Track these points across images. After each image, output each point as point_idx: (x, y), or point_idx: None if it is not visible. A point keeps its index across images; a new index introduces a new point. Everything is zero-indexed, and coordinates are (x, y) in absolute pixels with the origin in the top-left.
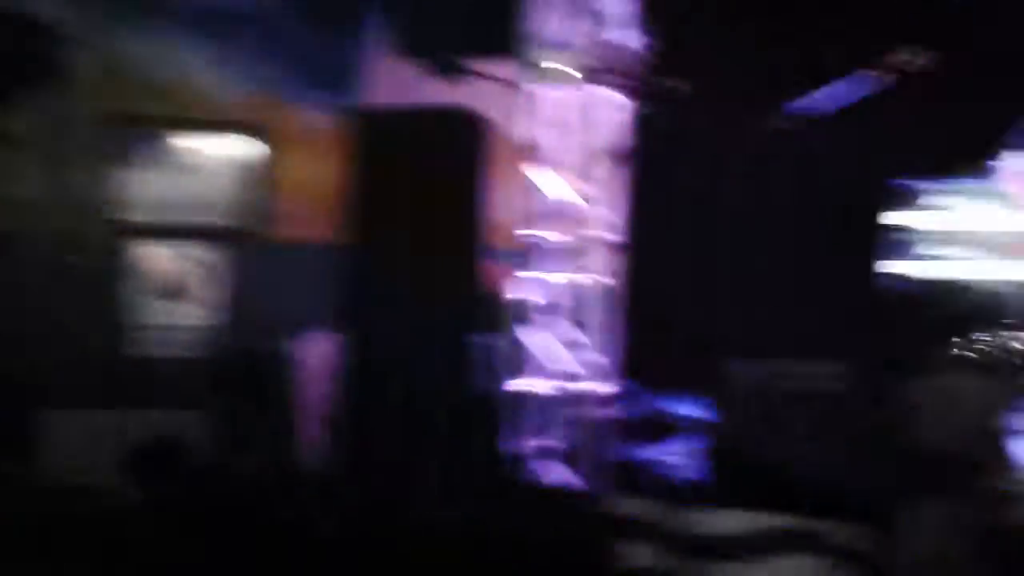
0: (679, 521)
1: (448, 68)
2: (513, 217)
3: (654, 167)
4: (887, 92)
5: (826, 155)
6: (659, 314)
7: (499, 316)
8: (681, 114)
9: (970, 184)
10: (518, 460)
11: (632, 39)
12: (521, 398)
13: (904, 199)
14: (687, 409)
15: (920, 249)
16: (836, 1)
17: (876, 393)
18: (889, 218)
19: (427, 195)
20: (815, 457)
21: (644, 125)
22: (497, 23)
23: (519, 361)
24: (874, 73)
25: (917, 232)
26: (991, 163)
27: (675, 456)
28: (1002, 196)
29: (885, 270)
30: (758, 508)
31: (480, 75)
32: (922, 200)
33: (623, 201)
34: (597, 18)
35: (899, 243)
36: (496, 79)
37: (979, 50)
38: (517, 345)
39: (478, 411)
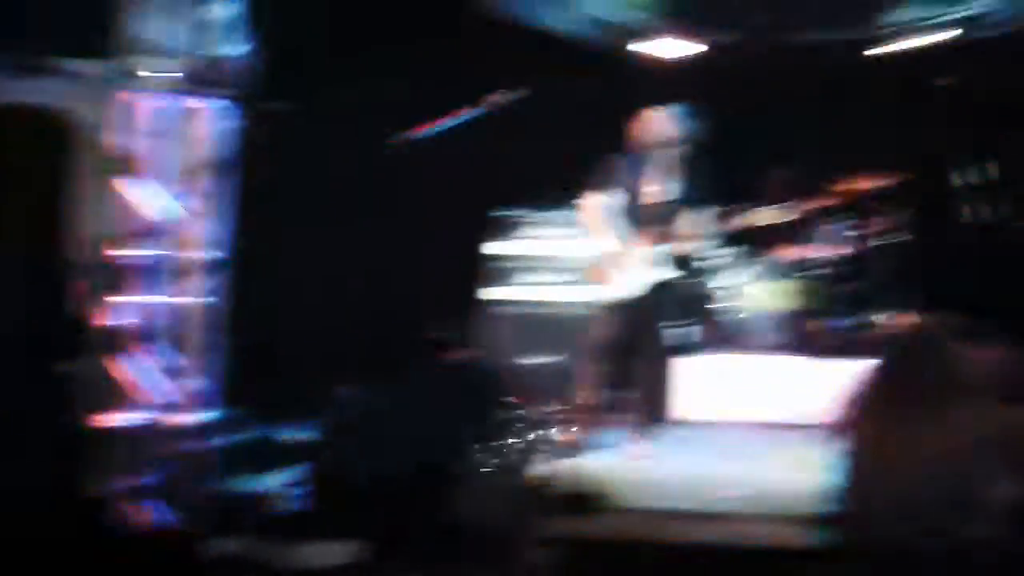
0: (281, 556)
1: (33, 66)
2: (106, 233)
3: (259, 182)
4: (490, 125)
5: (432, 182)
6: (264, 336)
7: (88, 341)
8: (290, 129)
9: (555, 214)
10: (109, 500)
11: (238, 49)
12: (112, 431)
13: (501, 227)
14: (294, 436)
15: (515, 275)
16: (441, 35)
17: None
18: (489, 245)
19: (3, 204)
20: (409, 483)
21: (250, 138)
22: (92, 23)
23: (110, 391)
24: (478, 107)
25: (512, 258)
26: (574, 194)
27: (280, 487)
28: (581, 225)
29: (484, 294)
30: (360, 537)
31: (70, 76)
32: (516, 228)
33: (226, 217)
34: (201, 25)
35: (498, 269)
36: (89, 82)
37: (567, 91)
38: (108, 373)
39: (62, 447)
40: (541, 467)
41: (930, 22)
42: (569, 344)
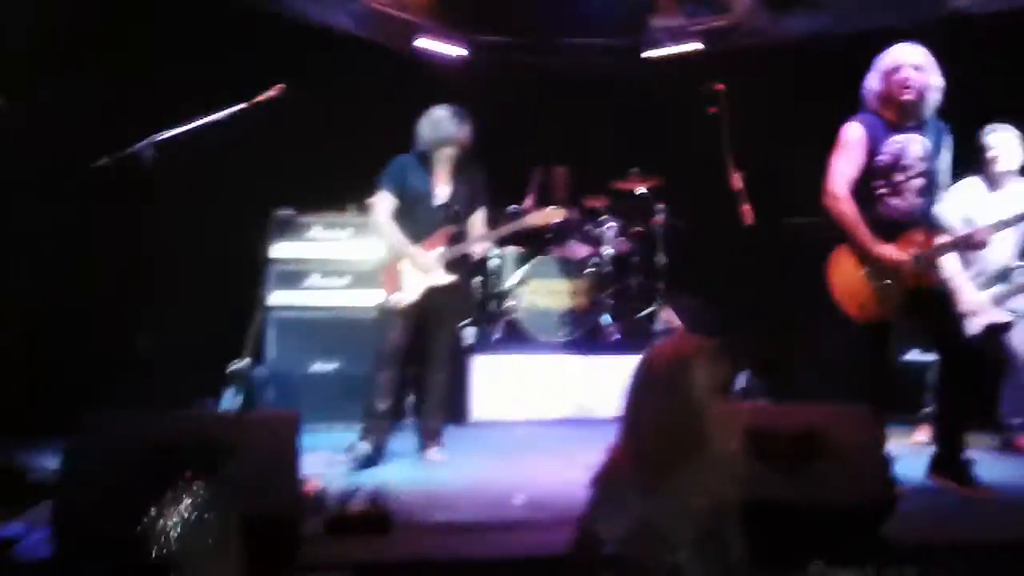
0: None
1: None
2: None
3: None
4: (265, 123)
5: (203, 182)
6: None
7: None
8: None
9: (340, 216)
10: None
11: None
12: None
13: (284, 229)
14: (34, 465)
15: (301, 279)
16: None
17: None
18: (272, 248)
19: None
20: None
21: None
22: None
23: None
24: (252, 104)
25: (297, 262)
26: (358, 196)
27: (16, 528)
28: (366, 227)
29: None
30: None
31: None
32: (300, 231)
33: None
34: None
35: (281, 272)
36: None
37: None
38: None
39: None
40: (332, 485)
41: (691, 30)
42: (356, 350)
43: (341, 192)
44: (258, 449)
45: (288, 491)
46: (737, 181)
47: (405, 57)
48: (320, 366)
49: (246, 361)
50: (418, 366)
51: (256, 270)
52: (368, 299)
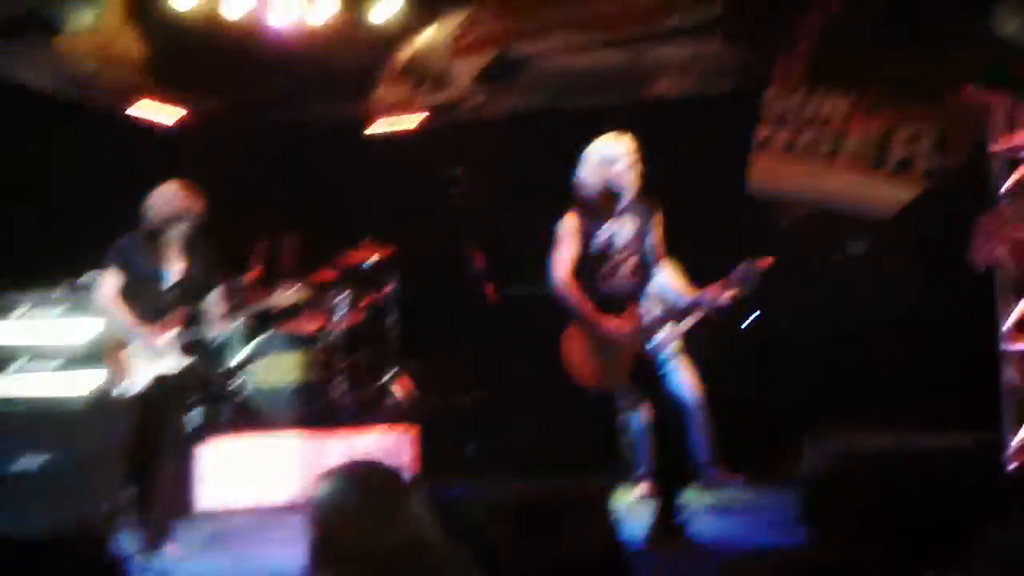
0: None
1: None
2: None
3: None
4: None
5: None
6: None
7: None
8: None
9: (60, 295)
10: None
11: None
12: None
13: None
14: None
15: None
16: None
17: None
18: None
19: None
20: None
21: None
22: None
23: None
24: None
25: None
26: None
27: None
28: (84, 308)
29: None
30: None
31: None
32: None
33: None
34: None
35: None
36: None
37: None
38: None
39: None
40: None
41: (417, 103)
42: (67, 442)
43: (48, 268)
44: None
45: None
46: (479, 261)
47: (120, 123)
48: (24, 463)
49: None
50: (142, 457)
51: None
52: (82, 384)
